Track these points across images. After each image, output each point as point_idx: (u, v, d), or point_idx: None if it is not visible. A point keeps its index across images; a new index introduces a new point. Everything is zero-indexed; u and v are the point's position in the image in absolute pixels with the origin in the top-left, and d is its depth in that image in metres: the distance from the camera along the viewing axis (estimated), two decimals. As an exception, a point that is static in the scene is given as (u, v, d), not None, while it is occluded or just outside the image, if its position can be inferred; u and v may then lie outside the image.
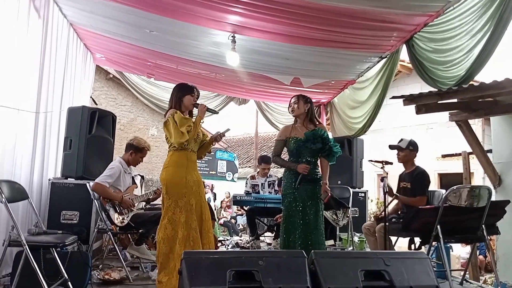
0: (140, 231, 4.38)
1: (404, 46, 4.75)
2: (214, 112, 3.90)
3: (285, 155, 4.03)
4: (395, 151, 4.39)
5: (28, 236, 3.26)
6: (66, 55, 5.17)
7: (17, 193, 3.38)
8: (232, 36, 4.82)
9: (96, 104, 7.09)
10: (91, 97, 6.53)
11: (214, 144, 3.80)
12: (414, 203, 4.07)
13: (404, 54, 4.98)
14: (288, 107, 4.03)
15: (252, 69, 6.06)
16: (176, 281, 3.31)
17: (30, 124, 4.34)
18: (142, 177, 6.45)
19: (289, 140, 3.86)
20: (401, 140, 4.39)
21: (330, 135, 6.32)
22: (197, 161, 3.74)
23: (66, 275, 3.24)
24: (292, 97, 4.02)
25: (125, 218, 4.12)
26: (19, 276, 3.26)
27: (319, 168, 3.93)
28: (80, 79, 5.79)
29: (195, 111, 3.68)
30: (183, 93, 3.66)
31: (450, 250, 5.11)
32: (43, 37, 4.51)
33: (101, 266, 4.33)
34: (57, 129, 4.95)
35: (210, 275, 2.14)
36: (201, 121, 3.62)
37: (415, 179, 4.23)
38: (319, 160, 3.92)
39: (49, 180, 4.59)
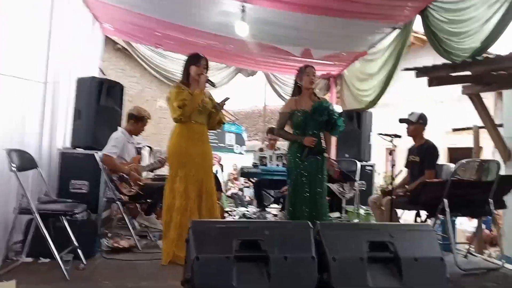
0: (148, 200, 4.43)
1: (418, 17, 4.63)
2: (212, 84, 3.74)
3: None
4: (405, 125, 4.34)
5: (38, 204, 3.31)
6: (74, 25, 5.11)
7: (27, 162, 3.41)
8: (242, 6, 4.73)
9: (104, 75, 7.05)
10: (99, 67, 6.49)
11: (218, 114, 3.71)
12: (424, 179, 4.05)
13: (417, 26, 4.86)
14: (312, 76, 3.86)
15: (262, 39, 5.96)
16: (170, 248, 3.43)
17: (39, 94, 4.33)
18: (151, 148, 6.50)
19: (296, 112, 3.81)
20: (411, 113, 4.33)
21: (339, 108, 6.27)
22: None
23: (76, 243, 3.31)
24: (308, 67, 3.89)
25: (133, 187, 4.17)
26: (30, 243, 3.35)
27: (322, 141, 3.90)
28: (88, 49, 5.74)
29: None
30: (189, 64, 3.64)
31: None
32: (51, 6, 4.45)
33: (110, 234, 4.41)
34: (66, 99, 4.95)
35: (216, 243, 2.17)
36: (203, 92, 3.57)
37: (425, 153, 4.19)
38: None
39: (58, 149, 4.63)
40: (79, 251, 3.32)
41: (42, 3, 4.26)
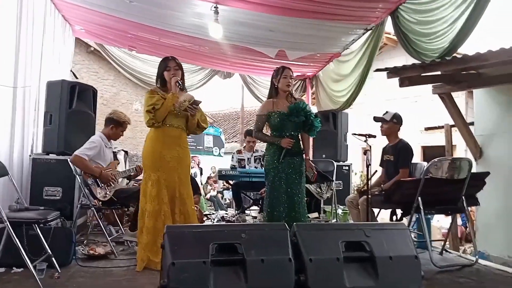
0: (125, 208, 4.35)
1: (389, 18, 4.71)
2: (180, 87, 3.57)
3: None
4: (380, 124, 4.40)
5: (9, 213, 3.22)
6: (43, 27, 4.99)
7: (-4, 169, 3.32)
8: (214, 7, 4.71)
9: (77, 78, 6.94)
10: (71, 71, 6.36)
11: (193, 117, 3.62)
12: (400, 178, 4.12)
13: (389, 27, 4.95)
14: (289, 79, 3.86)
15: (236, 41, 5.96)
16: (144, 253, 3.40)
17: (8, 99, 4.24)
18: (126, 152, 6.41)
19: (272, 114, 3.82)
20: (386, 112, 4.41)
21: (315, 109, 6.31)
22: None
23: (49, 251, 3.23)
24: (285, 69, 3.89)
25: (107, 193, 4.10)
26: (1, 253, 3.24)
27: (300, 142, 3.92)
28: (59, 52, 5.63)
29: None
30: (161, 70, 3.63)
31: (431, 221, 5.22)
32: (19, 8, 4.35)
33: (85, 241, 4.33)
34: (36, 103, 4.84)
35: (192, 248, 2.14)
36: (179, 95, 3.52)
37: (398, 152, 4.27)
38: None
39: (30, 156, 4.52)
40: (53, 259, 3.24)
41: (10, 6, 4.15)
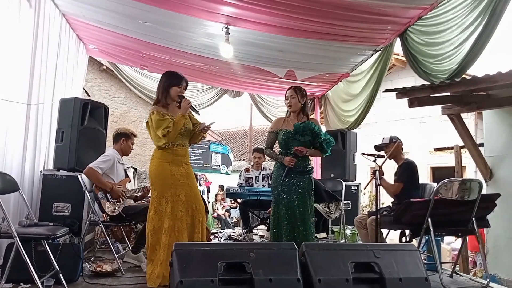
0: (132, 223, 4.36)
1: (398, 39, 4.76)
2: (195, 110, 3.68)
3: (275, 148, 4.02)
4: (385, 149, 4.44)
5: (19, 228, 3.23)
6: (58, 46, 5.11)
7: (8, 185, 3.34)
8: (226, 28, 4.79)
9: (89, 96, 7.04)
10: (83, 88, 6.47)
11: (201, 134, 3.68)
12: (390, 188, 4.22)
13: (398, 48, 4.99)
14: (285, 100, 3.95)
15: (246, 61, 6.03)
16: (160, 270, 3.35)
17: (21, 116, 4.30)
18: (135, 169, 6.45)
19: (280, 132, 3.86)
20: (383, 138, 4.54)
21: (324, 129, 6.33)
22: (191, 154, 3.73)
23: (57, 267, 3.23)
24: (288, 90, 3.95)
25: (116, 208, 4.11)
26: (10, 268, 3.25)
27: (310, 161, 3.92)
28: (72, 70, 5.74)
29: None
30: (170, 84, 3.58)
31: (441, 242, 5.15)
32: (35, 27, 4.46)
33: (93, 258, 4.33)
34: (49, 120, 4.91)
35: (201, 266, 2.15)
36: (186, 116, 3.53)
37: (400, 169, 4.31)
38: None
39: (41, 172, 4.56)
40: (60, 275, 3.24)
41: (26, 23, 4.26)
